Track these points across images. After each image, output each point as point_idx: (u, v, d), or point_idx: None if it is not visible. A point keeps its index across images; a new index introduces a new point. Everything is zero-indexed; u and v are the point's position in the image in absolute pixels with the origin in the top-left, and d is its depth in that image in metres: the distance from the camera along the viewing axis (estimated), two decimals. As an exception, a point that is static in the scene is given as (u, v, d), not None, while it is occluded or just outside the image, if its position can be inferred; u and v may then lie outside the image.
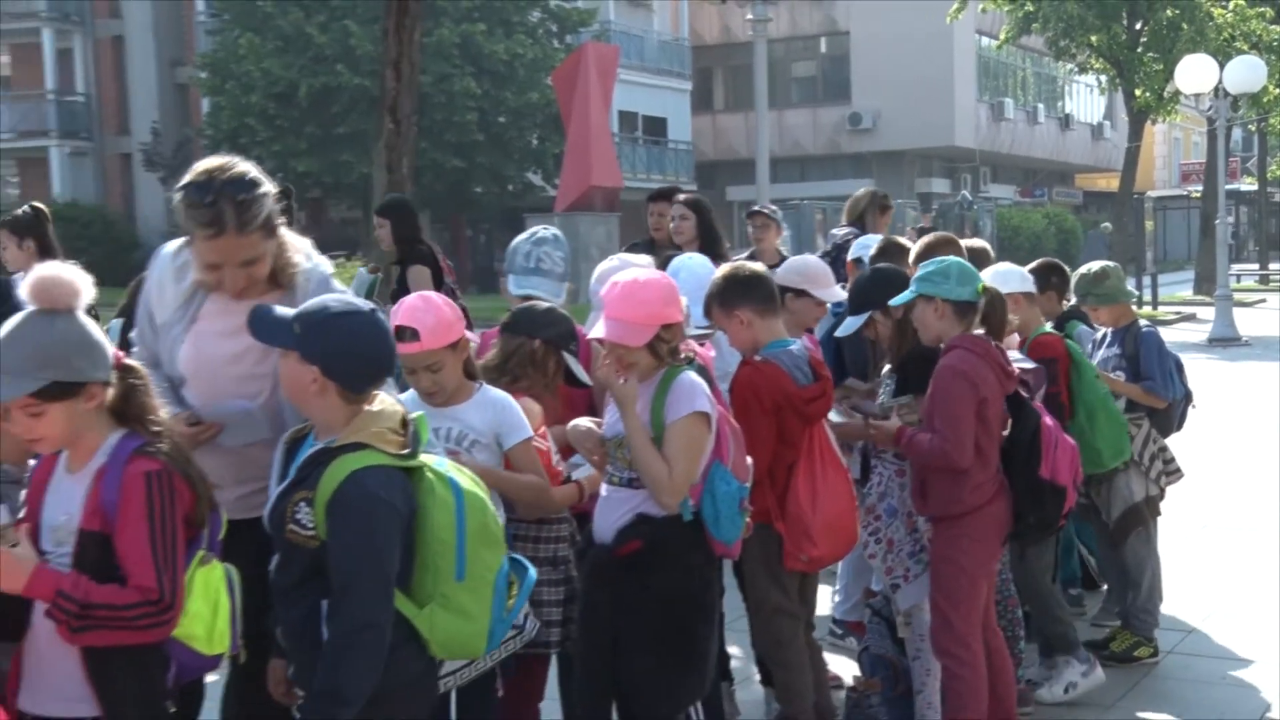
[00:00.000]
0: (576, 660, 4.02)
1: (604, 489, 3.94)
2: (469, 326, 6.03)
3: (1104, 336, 6.16)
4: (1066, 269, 6.19)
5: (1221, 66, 22.87)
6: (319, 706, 2.95)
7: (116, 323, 8.07)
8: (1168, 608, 6.37)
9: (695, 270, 4.89)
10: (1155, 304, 27.53)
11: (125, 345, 6.98)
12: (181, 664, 2.96)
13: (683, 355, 3.91)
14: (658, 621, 3.80)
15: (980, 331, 4.55)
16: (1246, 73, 22.86)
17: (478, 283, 34.60)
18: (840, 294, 5.29)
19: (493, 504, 3.24)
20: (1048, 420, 4.71)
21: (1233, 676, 5.82)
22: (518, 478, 3.85)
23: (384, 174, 9.42)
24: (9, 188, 38.70)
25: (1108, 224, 41.21)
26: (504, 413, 3.89)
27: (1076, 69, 34.64)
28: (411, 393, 3.88)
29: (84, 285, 2.93)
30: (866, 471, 4.96)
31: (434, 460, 3.15)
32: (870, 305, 4.88)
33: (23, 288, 2.93)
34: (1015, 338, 5.22)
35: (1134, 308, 6.40)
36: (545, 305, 4.38)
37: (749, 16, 20.12)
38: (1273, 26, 30.27)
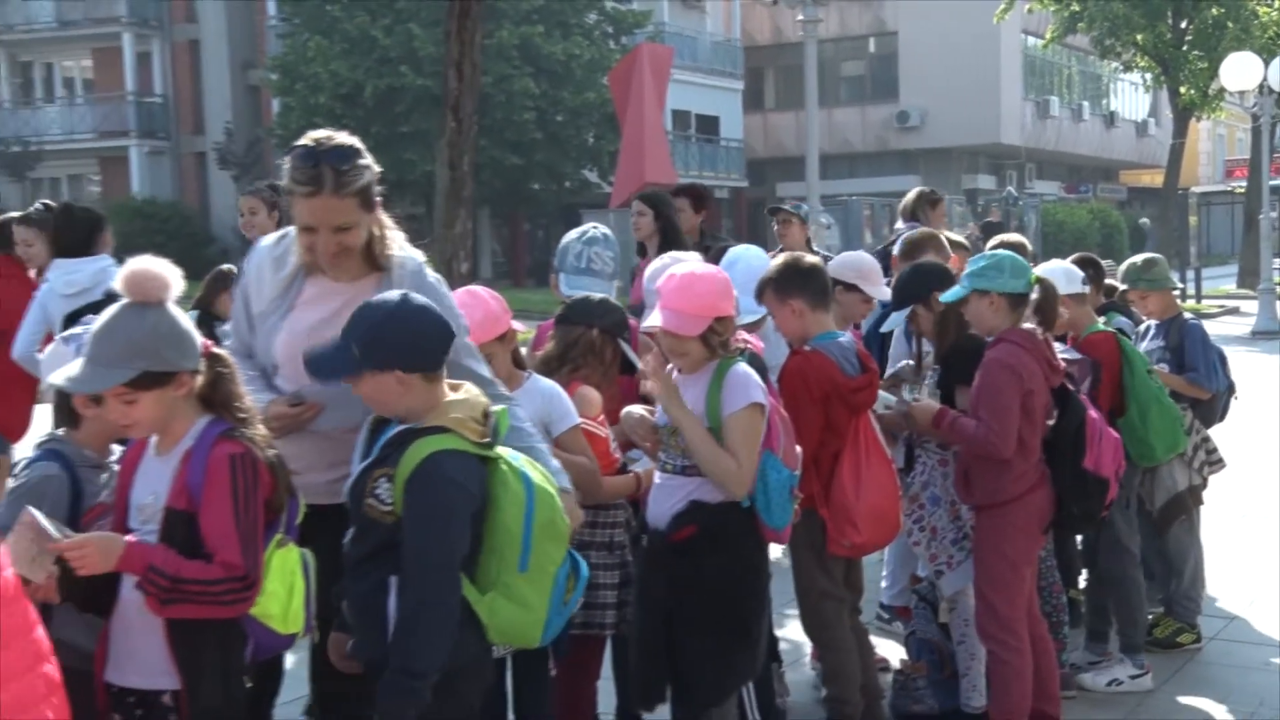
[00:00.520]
0: (632, 641, 4.03)
1: (657, 476, 3.94)
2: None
3: (1148, 329, 6.10)
4: (1101, 262, 6.13)
5: (1266, 64, 22.53)
6: (393, 681, 2.97)
7: (191, 314, 8.16)
8: (1210, 595, 6.30)
9: (751, 262, 4.88)
10: (1199, 297, 27.15)
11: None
12: (258, 642, 3.00)
13: (734, 347, 3.90)
14: (712, 604, 3.80)
15: (1031, 325, 4.52)
16: (1290, 70, 22.50)
17: (535, 276, 34.70)
18: (888, 292, 5.27)
19: (558, 499, 3.24)
20: (1093, 413, 4.67)
21: (1274, 663, 5.75)
22: (567, 457, 3.85)
23: (446, 171, 9.45)
24: (91, 185, 39.23)
25: (1146, 219, 40.68)
26: (552, 401, 3.90)
27: (1122, 67, 34.22)
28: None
29: (174, 279, 2.97)
30: (911, 461, 4.93)
31: (509, 454, 3.17)
32: (912, 299, 4.85)
33: (116, 281, 2.98)
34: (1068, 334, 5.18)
35: (1178, 301, 6.31)
36: (599, 296, 4.39)
37: (799, 17, 19.98)
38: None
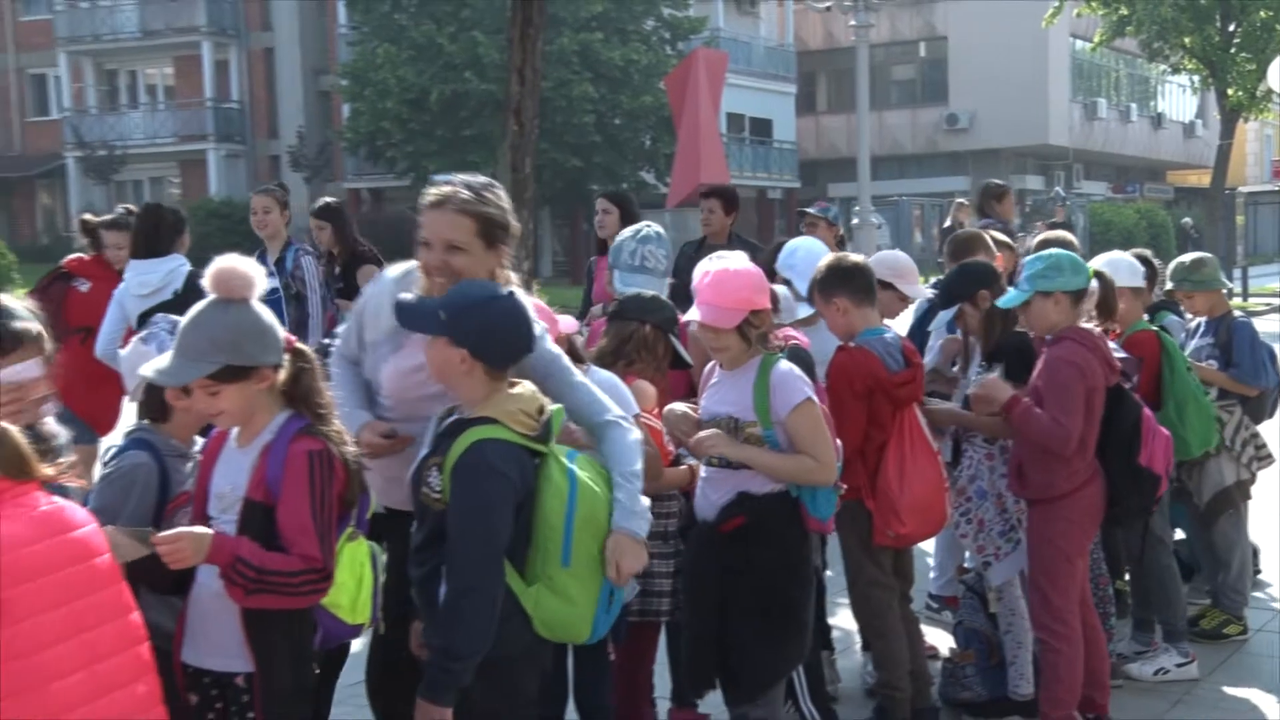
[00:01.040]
0: (684, 628, 4.02)
1: (704, 469, 3.92)
2: (583, 315, 6.04)
3: (1198, 326, 6.01)
4: (1153, 260, 6.04)
5: (1313, 66, 22.10)
6: (435, 662, 2.99)
7: None
8: (1257, 588, 6.21)
9: (811, 250, 4.88)
10: (1245, 295, 26.71)
11: None
12: (327, 630, 3.01)
13: (775, 343, 3.89)
14: (761, 591, 3.79)
15: (1091, 320, 4.46)
16: (1338, 72, 22.08)
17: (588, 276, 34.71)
18: (924, 290, 5.24)
19: (609, 500, 3.21)
20: (1147, 410, 4.62)
21: (1321, 656, 5.64)
22: None
23: (509, 173, 9.45)
24: (172, 187, 39.77)
25: (1188, 219, 40.10)
26: (611, 392, 3.89)
27: (1169, 70, 33.70)
28: None
29: (258, 277, 3.00)
30: (958, 455, 4.89)
31: (563, 451, 3.16)
32: (959, 298, 4.80)
33: (205, 278, 3.01)
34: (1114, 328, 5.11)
35: (1226, 299, 6.21)
36: (650, 293, 4.38)
37: (852, 23, 19.89)
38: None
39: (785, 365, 3.80)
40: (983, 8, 40.23)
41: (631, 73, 32.19)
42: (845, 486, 4.04)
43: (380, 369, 3.57)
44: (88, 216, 7.39)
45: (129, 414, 5.65)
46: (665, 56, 32.89)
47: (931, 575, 6.11)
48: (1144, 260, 5.91)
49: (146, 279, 6.25)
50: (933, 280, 7.03)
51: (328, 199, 8.25)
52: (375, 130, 32.29)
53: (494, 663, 3.01)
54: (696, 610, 3.92)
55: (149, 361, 3.04)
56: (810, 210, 7.41)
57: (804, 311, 4.64)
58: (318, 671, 3.12)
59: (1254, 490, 5.92)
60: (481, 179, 3.52)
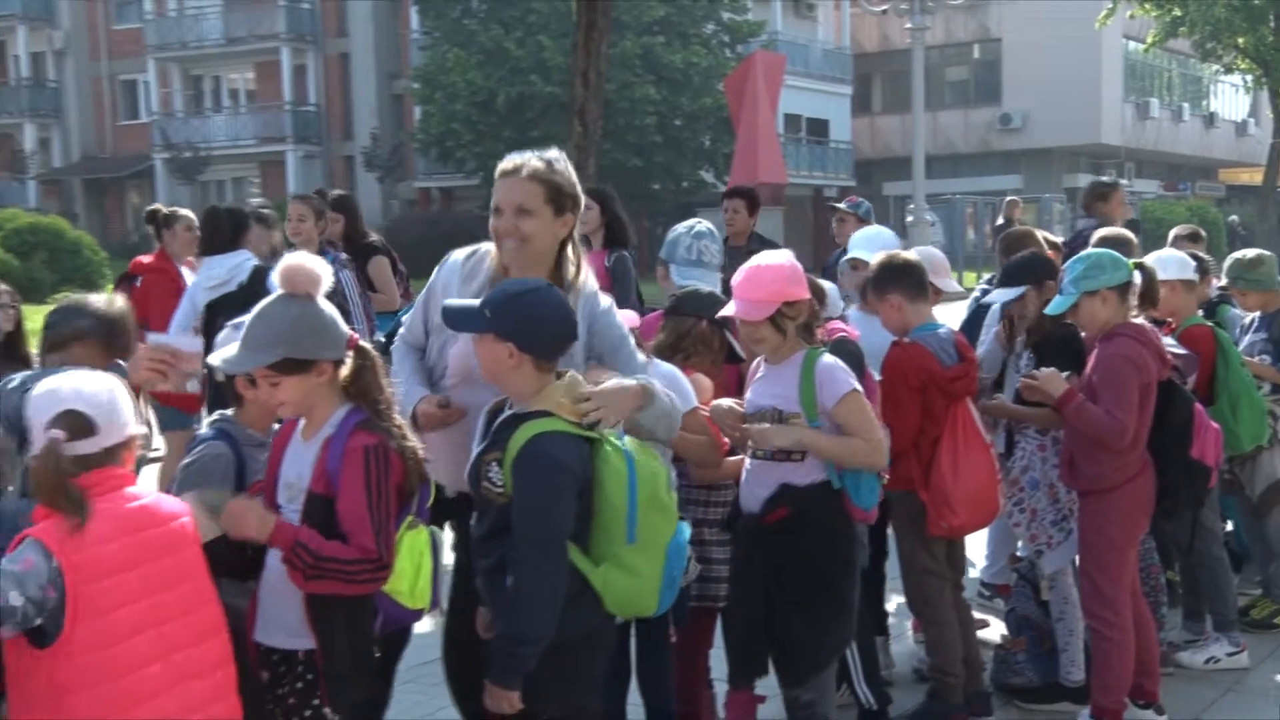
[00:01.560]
0: (732, 615, 4.00)
1: (748, 461, 3.90)
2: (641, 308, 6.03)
3: (1252, 321, 5.88)
4: (1205, 256, 5.92)
5: (1367, 64, 21.57)
6: (503, 648, 3.00)
7: None
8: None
9: (884, 235, 4.90)
10: (1295, 292, 26.13)
11: None
12: (387, 614, 3.02)
13: (819, 337, 3.86)
14: (807, 581, 3.77)
15: (1136, 313, 4.40)
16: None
17: (655, 269, 34.71)
18: (957, 286, 5.21)
19: (667, 475, 3.22)
20: (1197, 404, 4.55)
21: (1372, 648, 5.52)
22: (689, 435, 3.83)
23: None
24: (252, 187, 40.29)
25: (1235, 217, 39.40)
26: (673, 384, 3.89)
27: (1222, 69, 33.07)
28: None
29: (324, 274, 3.01)
30: (1011, 446, 4.83)
31: (613, 434, 3.16)
32: (1029, 280, 4.74)
33: (274, 274, 3.04)
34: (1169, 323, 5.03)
35: None
36: (706, 289, 4.37)
37: (907, 25, 19.71)
38: None
39: (829, 358, 3.78)
40: (1036, 10, 39.71)
41: (692, 75, 32.11)
42: (888, 476, 4.02)
43: (448, 348, 3.57)
44: (157, 207, 7.58)
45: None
46: (725, 59, 32.78)
47: (983, 564, 6.05)
48: (1194, 256, 5.81)
49: (214, 273, 6.47)
50: (986, 277, 6.91)
51: (339, 191, 8.26)
52: (445, 131, 32.49)
53: (562, 645, 3.02)
54: (743, 600, 3.91)
55: (219, 350, 3.06)
56: (841, 205, 7.23)
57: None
58: (378, 654, 3.11)
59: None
60: (553, 152, 3.56)
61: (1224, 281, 5.98)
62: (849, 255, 5.53)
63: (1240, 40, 29.57)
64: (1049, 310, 4.54)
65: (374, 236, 7.79)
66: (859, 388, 3.77)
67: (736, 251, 7.02)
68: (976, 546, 5.74)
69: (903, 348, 4.40)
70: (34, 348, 4.24)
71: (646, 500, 3.10)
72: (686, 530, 3.30)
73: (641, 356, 3.62)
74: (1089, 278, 4.36)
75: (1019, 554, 5.35)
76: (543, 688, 3.03)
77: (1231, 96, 49.89)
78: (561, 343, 3.15)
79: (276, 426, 3.28)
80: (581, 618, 3.05)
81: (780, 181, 12.48)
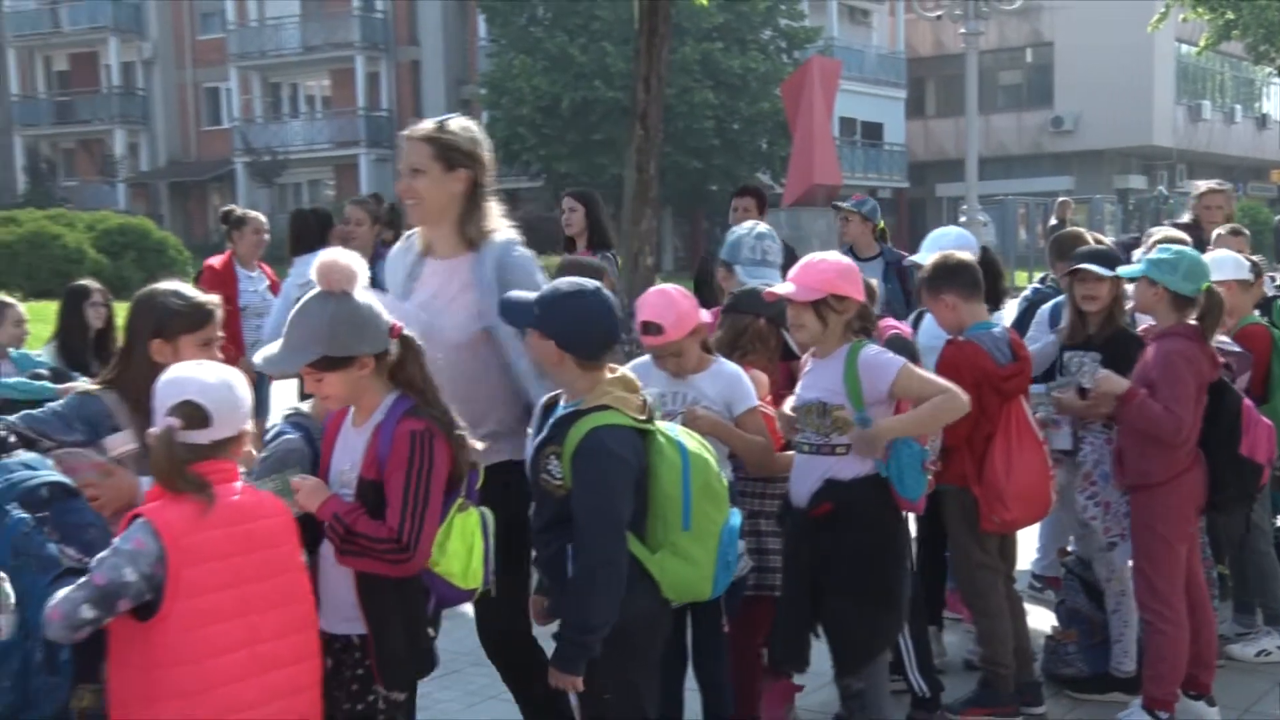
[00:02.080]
0: (780, 606, 3.99)
1: (796, 457, 3.87)
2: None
3: None
4: (1256, 258, 5.80)
5: None
6: (569, 634, 3.01)
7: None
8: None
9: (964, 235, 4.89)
10: (1346, 292, 25.54)
11: None
12: (441, 595, 3.01)
13: (863, 332, 3.83)
14: (854, 572, 3.74)
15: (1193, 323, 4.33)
16: None
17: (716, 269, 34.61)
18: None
19: (719, 466, 3.22)
20: (1247, 401, 4.47)
21: None
22: (746, 435, 3.83)
23: (634, 174, 9.47)
24: (327, 189, 40.74)
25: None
26: (735, 384, 3.89)
27: (1275, 72, 32.37)
28: (647, 359, 3.91)
29: (359, 270, 2.97)
30: (1077, 443, 4.77)
31: (667, 426, 3.16)
32: (1119, 264, 4.66)
33: (311, 271, 3.02)
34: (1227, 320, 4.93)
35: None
36: (761, 288, 4.35)
37: (962, 31, 19.50)
38: None
39: (871, 348, 3.75)
40: (1089, 15, 39.13)
41: (750, 80, 32.03)
42: (936, 468, 3.99)
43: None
44: (231, 208, 7.66)
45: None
46: (782, 65, 32.65)
47: (1035, 557, 5.99)
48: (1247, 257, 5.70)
49: (302, 270, 6.52)
50: (1038, 276, 6.78)
51: (377, 194, 8.25)
52: (511, 135, 32.63)
53: (621, 631, 3.02)
54: (791, 592, 3.89)
55: (261, 350, 3.06)
56: (843, 205, 6.84)
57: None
58: (433, 636, 3.09)
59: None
60: (456, 116, 3.63)
61: None
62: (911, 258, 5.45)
63: (1293, 42, 28.93)
64: (1121, 270, 4.47)
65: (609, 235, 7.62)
66: (905, 361, 3.74)
67: None
68: (1028, 539, 5.67)
69: (957, 346, 4.36)
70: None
71: (700, 489, 3.10)
72: (738, 516, 3.30)
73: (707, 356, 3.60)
74: (1159, 268, 4.27)
75: (1069, 548, 5.28)
76: (601, 669, 3.05)
77: (1284, 98, 48.88)
78: (603, 346, 3.14)
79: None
80: (640, 603, 3.06)
81: (835, 183, 12.41)
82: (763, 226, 4.98)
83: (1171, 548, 4.35)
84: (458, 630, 5.20)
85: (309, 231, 6.75)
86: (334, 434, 3.06)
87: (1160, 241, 4.89)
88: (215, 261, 7.45)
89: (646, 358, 3.91)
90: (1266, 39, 29.23)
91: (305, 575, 2.79)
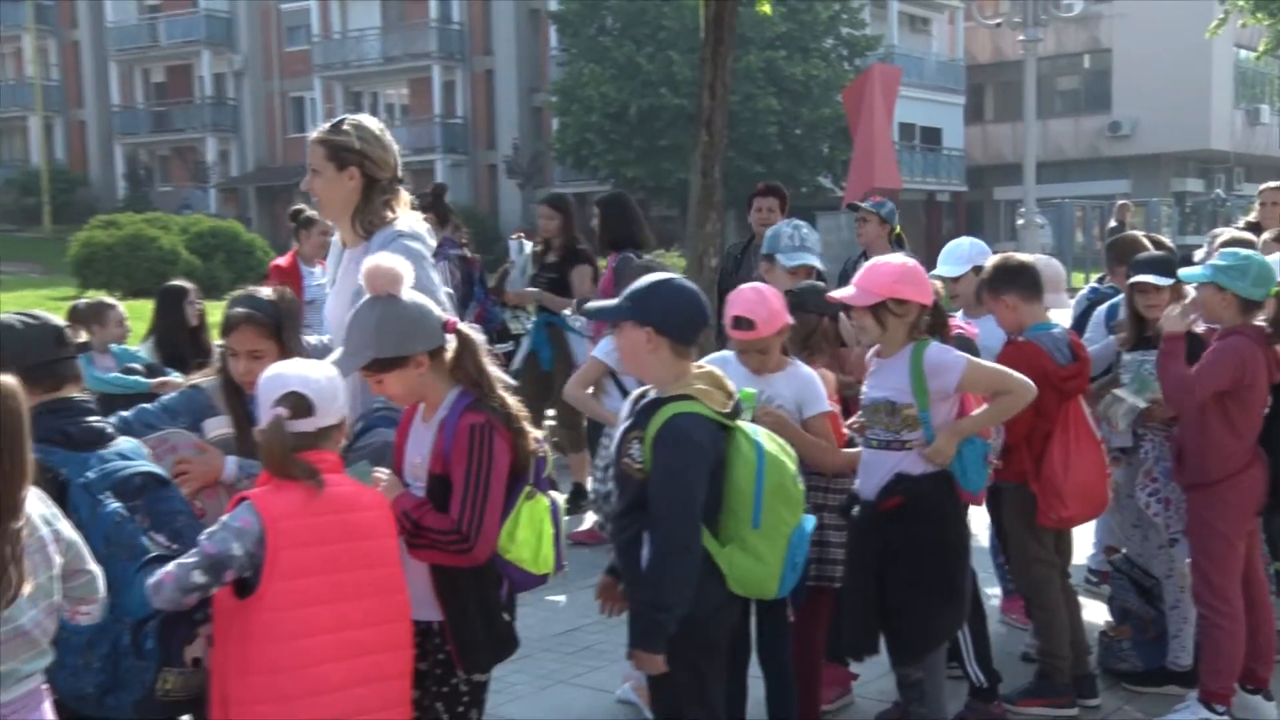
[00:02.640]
0: (845, 597, 3.97)
1: (865, 452, 3.85)
2: None
3: None
4: None
5: None
6: (645, 612, 3.01)
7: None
8: None
9: (977, 244, 4.90)
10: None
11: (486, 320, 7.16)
12: (513, 580, 3.01)
13: (931, 331, 3.79)
14: (919, 565, 3.71)
15: (1262, 322, 4.24)
16: None
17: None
18: (1064, 301, 5.05)
19: (795, 468, 3.18)
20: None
21: None
22: (809, 436, 3.82)
23: (699, 179, 9.44)
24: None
25: None
26: (809, 386, 3.89)
27: (1334, 76, 31.54)
28: (728, 354, 3.90)
29: (404, 272, 2.95)
30: (1137, 440, 4.70)
31: (749, 426, 3.15)
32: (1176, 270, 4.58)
33: (359, 277, 3.00)
34: None
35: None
36: (823, 286, 4.33)
37: (1020, 38, 19.21)
38: None
39: (934, 346, 3.71)
40: (1147, 21, 38.39)
41: (812, 87, 31.84)
42: (995, 463, 3.94)
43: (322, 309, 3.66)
44: (300, 207, 7.65)
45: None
46: (843, 72, 32.42)
47: (1091, 552, 5.90)
48: None
49: None
50: (1095, 277, 6.67)
51: (559, 192, 8.28)
52: (580, 141, 32.74)
53: (690, 618, 3.02)
54: (857, 583, 3.87)
55: (331, 354, 3.09)
56: (863, 205, 6.60)
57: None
58: (508, 620, 3.09)
59: None
60: (352, 116, 3.65)
61: None
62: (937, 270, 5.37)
63: (1353, 47, 28.12)
64: (1183, 274, 4.39)
65: (585, 246, 7.44)
66: (970, 357, 3.71)
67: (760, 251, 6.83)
68: (1083, 535, 5.59)
69: (1017, 346, 4.31)
70: (216, 339, 4.41)
71: (772, 489, 3.08)
72: (811, 522, 3.27)
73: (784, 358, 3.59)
74: (1227, 274, 4.16)
75: (1119, 547, 5.20)
76: (675, 655, 3.04)
77: (1343, 103, 47.56)
78: (695, 327, 3.14)
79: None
80: (709, 592, 3.06)
81: (895, 186, 12.31)
82: (797, 220, 5.03)
83: (1230, 544, 4.26)
84: (530, 616, 5.26)
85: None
86: (407, 427, 3.08)
87: (1225, 244, 4.78)
88: (281, 260, 7.56)
89: (728, 352, 3.91)
90: (1326, 44, 28.43)
91: (400, 568, 2.81)
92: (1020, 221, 19.48)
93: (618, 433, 3.22)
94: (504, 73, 40.30)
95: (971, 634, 4.28)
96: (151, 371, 5.87)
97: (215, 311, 4.53)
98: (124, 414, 3.19)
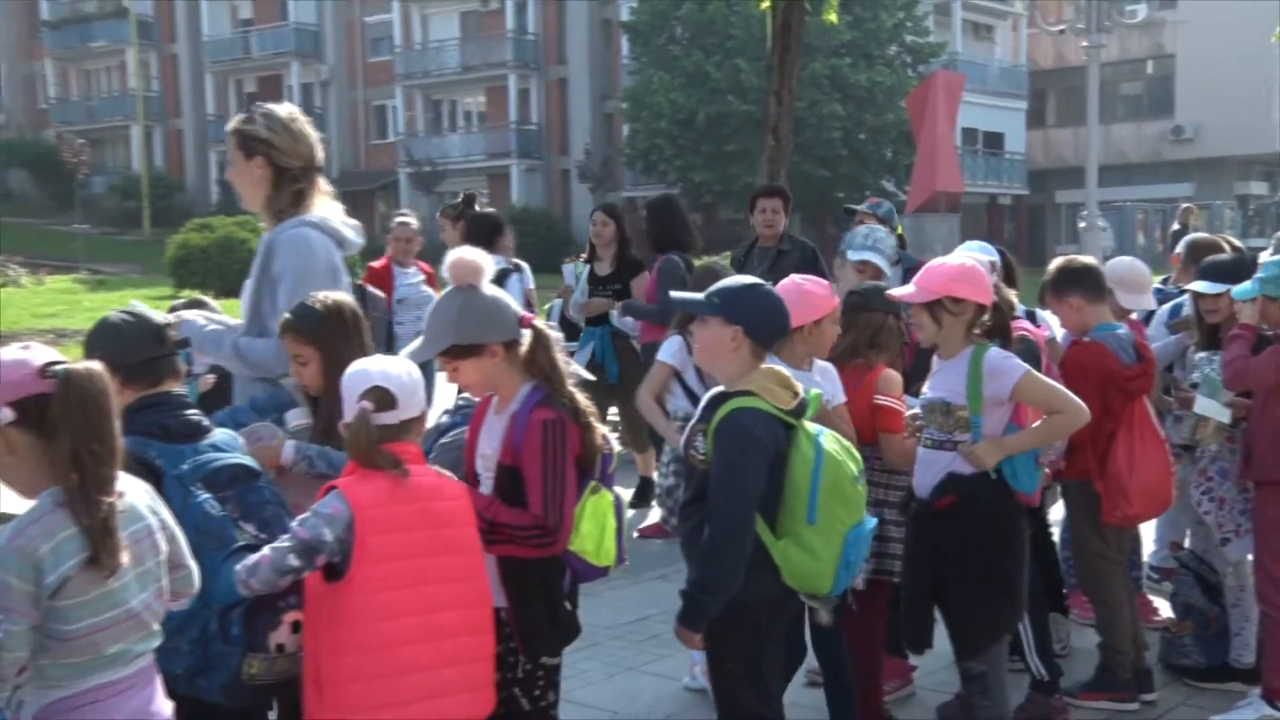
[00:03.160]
0: (903, 592, 3.93)
1: (920, 451, 3.80)
2: None
3: None
4: None
5: None
6: (690, 592, 3.02)
7: (557, 302, 8.44)
8: None
9: (984, 245, 4.77)
10: None
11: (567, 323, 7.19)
12: (576, 571, 3.01)
13: (993, 333, 3.73)
14: (972, 563, 3.65)
15: None
16: None
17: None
18: (1149, 303, 4.92)
19: (856, 470, 3.14)
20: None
21: None
22: (843, 424, 3.79)
23: (765, 182, 9.43)
24: (481, 197, 41.31)
25: None
26: (834, 380, 3.90)
27: (1401, 79, 30.56)
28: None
29: (485, 265, 2.97)
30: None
31: (813, 426, 3.14)
32: (1228, 281, 4.50)
33: (443, 269, 3.03)
34: None
35: None
36: (885, 286, 4.29)
37: (1084, 44, 18.86)
38: None
39: (994, 351, 3.65)
40: (1211, 27, 37.46)
41: (876, 93, 31.57)
42: (1055, 465, 3.86)
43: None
44: (405, 214, 7.96)
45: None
46: (907, 78, 32.10)
47: (1153, 549, 5.78)
48: None
49: None
50: (1159, 278, 6.53)
51: (612, 200, 8.33)
52: (650, 147, 32.77)
53: (748, 605, 3.02)
54: (913, 578, 3.83)
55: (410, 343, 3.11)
56: (860, 208, 6.32)
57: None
58: (570, 608, 3.09)
59: None
60: (265, 106, 3.60)
61: None
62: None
63: None
64: (1234, 292, 4.30)
65: (638, 255, 7.39)
66: (1029, 368, 3.64)
67: (766, 253, 6.66)
68: (1146, 532, 5.49)
69: (1083, 346, 4.24)
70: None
71: (828, 487, 3.05)
72: (872, 524, 3.24)
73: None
74: (1274, 283, 4.11)
75: (1184, 543, 5.08)
76: (731, 642, 3.05)
77: None
78: (779, 334, 3.17)
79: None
80: (766, 584, 3.05)
81: (957, 190, 12.19)
82: (876, 225, 5.00)
83: (1294, 541, 4.15)
84: (600, 606, 5.29)
85: (480, 233, 6.90)
86: (480, 419, 3.09)
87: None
88: (376, 264, 7.73)
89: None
90: (1393, 47, 27.57)
91: (480, 556, 2.83)
92: (1082, 224, 19.14)
93: (686, 428, 3.23)
94: (577, 81, 40.45)
95: (1033, 627, 4.22)
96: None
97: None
98: (219, 414, 3.29)
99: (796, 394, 3.09)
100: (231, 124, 3.59)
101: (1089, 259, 4.52)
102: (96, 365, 2.27)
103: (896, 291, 3.83)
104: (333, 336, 3.22)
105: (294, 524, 2.66)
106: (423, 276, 7.80)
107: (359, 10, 44.13)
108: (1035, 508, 4.08)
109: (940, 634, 3.89)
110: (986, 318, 3.69)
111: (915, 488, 3.81)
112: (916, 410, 3.86)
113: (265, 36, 45.10)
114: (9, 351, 2.27)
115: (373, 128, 44.98)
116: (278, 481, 3.07)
